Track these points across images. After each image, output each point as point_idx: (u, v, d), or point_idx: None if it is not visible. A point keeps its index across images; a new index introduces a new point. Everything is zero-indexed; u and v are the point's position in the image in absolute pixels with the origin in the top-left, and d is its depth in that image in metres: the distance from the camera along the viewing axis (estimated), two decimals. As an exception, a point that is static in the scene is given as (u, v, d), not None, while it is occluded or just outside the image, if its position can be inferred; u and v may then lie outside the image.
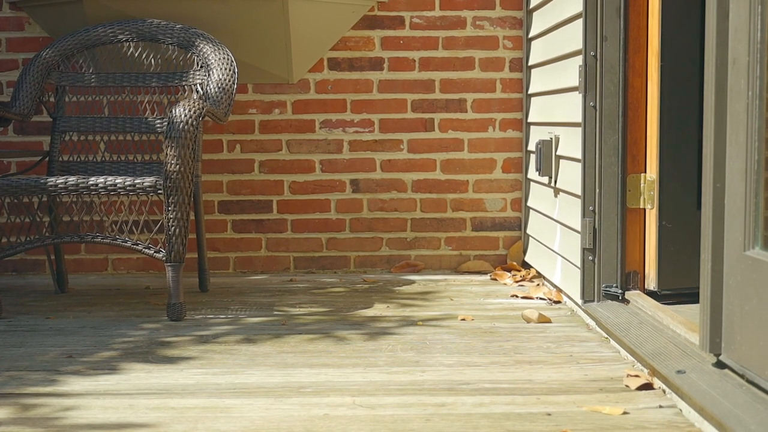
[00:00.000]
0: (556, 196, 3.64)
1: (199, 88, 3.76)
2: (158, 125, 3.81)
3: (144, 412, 2.26)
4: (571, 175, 3.38)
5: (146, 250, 3.35)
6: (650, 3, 3.04)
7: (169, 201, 3.24)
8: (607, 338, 2.94)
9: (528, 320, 3.23)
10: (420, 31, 4.25)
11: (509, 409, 2.25)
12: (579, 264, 3.19)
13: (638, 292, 3.08)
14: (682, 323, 2.63)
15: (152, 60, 3.87)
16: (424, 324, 3.20)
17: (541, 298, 3.62)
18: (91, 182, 3.29)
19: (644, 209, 3.09)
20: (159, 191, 3.26)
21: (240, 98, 4.24)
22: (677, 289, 3.07)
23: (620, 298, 3.08)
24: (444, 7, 4.25)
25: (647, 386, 2.41)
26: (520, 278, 4.04)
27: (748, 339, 2.04)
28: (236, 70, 3.72)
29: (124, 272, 4.32)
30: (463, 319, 3.26)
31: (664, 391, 2.36)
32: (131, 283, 4.07)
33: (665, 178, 3.04)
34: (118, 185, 3.28)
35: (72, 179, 3.29)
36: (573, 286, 3.32)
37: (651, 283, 3.09)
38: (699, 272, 2.99)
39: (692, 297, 2.98)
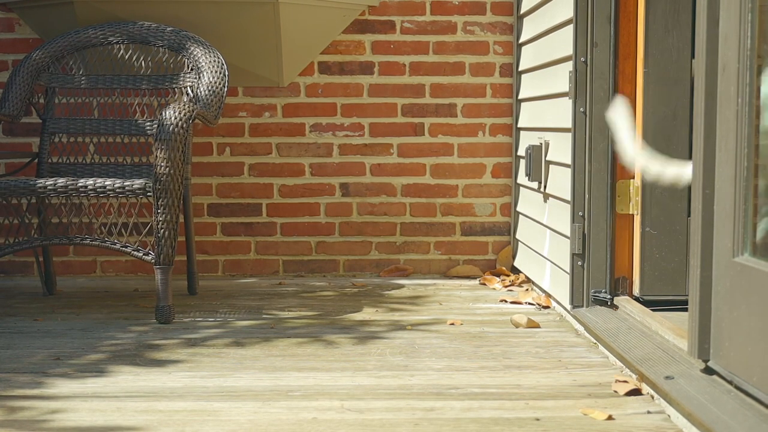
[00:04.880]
0: (545, 201, 3.64)
1: (190, 91, 3.76)
2: (148, 127, 3.81)
3: (131, 415, 2.25)
4: (560, 181, 3.38)
5: (135, 253, 3.34)
6: (639, 9, 3.05)
7: (159, 203, 3.24)
8: (595, 343, 2.94)
9: (517, 325, 3.23)
10: (411, 35, 4.26)
11: (498, 413, 2.25)
12: (568, 269, 3.19)
13: (627, 297, 3.08)
14: (671, 329, 2.64)
15: (143, 62, 3.87)
16: (413, 328, 3.20)
17: (530, 303, 3.63)
18: (80, 184, 3.28)
19: (633, 215, 3.09)
20: (148, 194, 3.26)
21: (230, 101, 4.24)
22: (661, 297, 3.05)
23: (609, 303, 3.08)
24: (435, 12, 4.25)
25: (636, 392, 2.41)
26: (509, 283, 4.04)
27: (736, 345, 2.04)
28: (227, 73, 3.71)
29: (113, 274, 4.31)
30: (452, 324, 3.26)
31: (652, 397, 2.36)
32: (120, 286, 4.06)
33: (649, 185, 3.03)
34: (107, 187, 3.27)
35: (61, 181, 3.28)
36: (562, 292, 3.32)
37: (637, 289, 3.10)
38: (684, 280, 3.01)
39: (675, 305, 2.98)
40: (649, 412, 2.26)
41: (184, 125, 3.26)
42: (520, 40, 4.13)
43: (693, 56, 2.95)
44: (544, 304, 3.57)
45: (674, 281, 3.03)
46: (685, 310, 2.84)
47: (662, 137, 3.01)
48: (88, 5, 3.92)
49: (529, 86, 3.99)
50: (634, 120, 3.06)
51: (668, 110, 3.00)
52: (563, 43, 3.32)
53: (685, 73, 2.99)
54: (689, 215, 2.94)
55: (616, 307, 3.06)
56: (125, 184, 3.27)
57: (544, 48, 3.66)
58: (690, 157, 2.96)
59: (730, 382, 2.10)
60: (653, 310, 2.92)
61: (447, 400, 2.36)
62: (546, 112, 3.64)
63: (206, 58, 3.74)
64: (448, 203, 4.32)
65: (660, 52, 2.99)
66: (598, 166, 3.08)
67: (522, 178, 4.07)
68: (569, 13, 3.19)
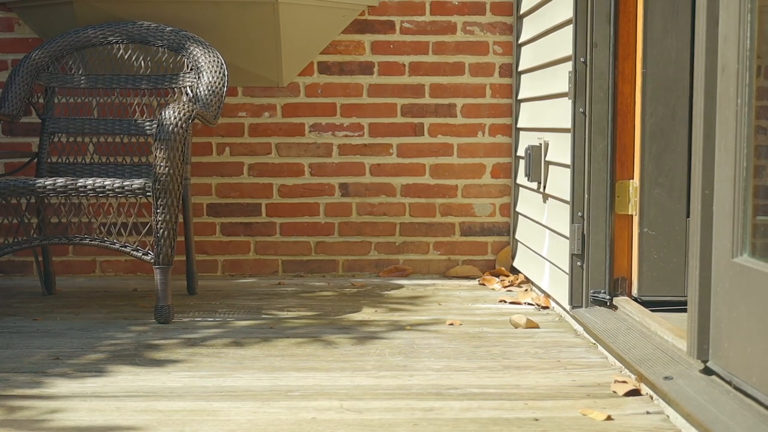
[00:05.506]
0: (544, 201, 3.64)
1: (189, 91, 3.75)
2: (148, 127, 3.81)
3: (131, 414, 2.25)
4: (560, 181, 3.38)
5: (134, 253, 3.34)
6: (639, 9, 3.05)
7: (158, 203, 3.24)
8: (594, 344, 2.94)
9: (516, 325, 3.23)
10: (410, 35, 4.26)
11: (497, 414, 2.25)
12: (567, 270, 3.19)
13: (626, 298, 3.08)
14: (670, 329, 2.64)
15: (142, 62, 3.87)
16: (413, 328, 3.20)
17: (529, 304, 3.63)
18: (79, 184, 3.28)
19: (632, 215, 3.09)
20: (148, 193, 3.26)
21: (230, 101, 4.24)
22: (659, 297, 3.03)
23: (608, 304, 3.08)
24: (434, 12, 4.25)
25: (635, 392, 2.41)
26: (509, 283, 4.04)
27: (735, 345, 2.04)
28: (226, 73, 3.71)
29: (112, 274, 4.31)
30: (452, 324, 3.26)
31: (651, 397, 2.36)
32: (119, 286, 4.06)
33: (647, 185, 3.03)
34: (106, 187, 3.27)
35: (60, 181, 3.28)
36: (561, 292, 3.32)
37: (635, 290, 3.09)
38: (682, 281, 3.01)
39: (673, 305, 2.98)
40: (648, 413, 2.26)
41: (184, 125, 3.26)
42: (520, 41, 4.13)
43: (692, 56, 2.95)
44: (543, 305, 3.57)
45: (672, 282, 3.03)
46: (684, 310, 2.84)
47: (661, 137, 3.01)
48: (88, 5, 3.92)
49: (528, 86, 3.99)
50: (634, 120, 3.06)
51: (667, 110, 3.00)
52: (563, 43, 3.32)
53: (684, 74, 2.99)
54: (688, 216, 2.95)
55: (615, 308, 3.06)
56: (124, 184, 3.27)
57: (544, 48, 3.66)
58: (689, 158, 2.97)
59: (729, 383, 2.10)
60: (652, 311, 2.91)
61: (446, 400, 2.36)
62: (545, 113, 3.64)
63: (206, 57, 3.74)
64: (447, 203, 4.32)
65: (659, 52, 2.99)
66: (598, 167, 3.08)
67: (521, 179, 4.07)
68: (569, 14, 3.19)
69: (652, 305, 2.99)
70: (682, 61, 2.99)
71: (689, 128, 2.97)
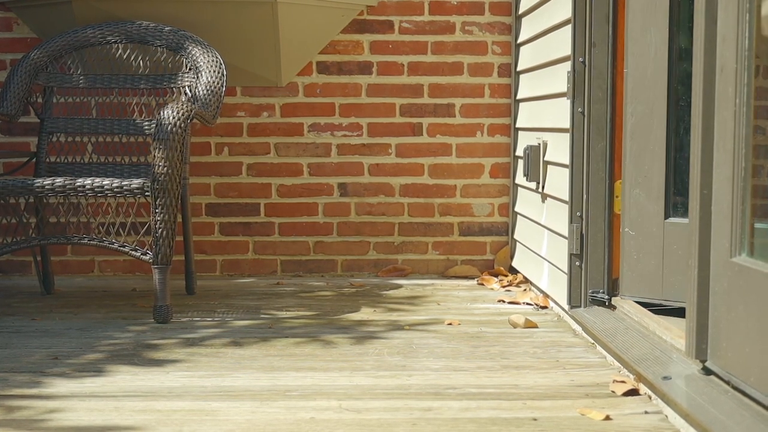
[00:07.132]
0: (543, 201, 3.65)
1: (188, 91, 3.75)
2: (146, 127, 3.81)
3: (129, 414, 2.25)
4: (558, 181, 3.38)
5: (133, 252, 3.34)
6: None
7: (157, 203, 3.24)
8: (593, 344, 2.94)
9: (515, 325, 3.23)
10: (409, 35, 4.26)
11: (495, 413, 2.25)
12: (566, 269, 3.19)
13: (625, 297, 3.08)
14: (669, 329, 2.64)
15: (141, 62, 3.87)
16: (411, 328, 3.20)
17: (527, 304, 3.63)
18: (78, 184, 3.28)
19: (630, 215, 3.09)
20: (146, 193, 3.26)
21: (228, 101, 4.24)
22: (638, 299, 2.97)
23: (607, 303, 3.08)
24: (433, 12, 4.25)
25: (633, 392, 2.41)
26: (507, 283, 4.04)
27: (733, 345, 2.05)
28: (225, 73, 3.71)
29: (111, 274, 4.31)
30: (450, 324, 3.27)
31: (650, 397, 2.36)
32: (118, 285, 4.06)
33: (628, 185, 2.95)
34: (105, 187, 3.27)
35: (59, 180, 3.28)
36: (560, 292, 3.32)
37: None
38: (659, 283, 2.96)
39: (652, 307, 2.93)
40: (646, 413, 2.26)
41: (183, 125, 3.26)
42: (519, 41, 4.14)
43: (670, 53, 2.87)
44: (542, 305, 3.57)
45: (650, 284, 2.95)
46: (665, 313, 2.84)
47: (640, 135, 2.95)
48: (87, 4, 3.92)
49: (527, 86, 4.00)
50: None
51: (646, 108, 2.94)
52: (561, 43, 3.32)
53: (663, 71, 2.89)
54: (665, 217, 2.90)
55: (614, 308, 3.06)
56: (123, 183, 3.27)
57: (543, 48, 3.66)
58: (666, 155, 2.92)
59: (727, 383, 2.10)
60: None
61: (445, 400, 2.37)
62: (544, 113, 3.64)
63: (204, 57, 3.74)
64: (446, 203, 4.32)
65: (638, 49, 2.93)
66: (596, 167, 3.08)
67: (520, 179, 4.07)
68: (567, 14, 3.20)
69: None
70: (661, 58, 2.90)
71: (667, 127, 2.89)
